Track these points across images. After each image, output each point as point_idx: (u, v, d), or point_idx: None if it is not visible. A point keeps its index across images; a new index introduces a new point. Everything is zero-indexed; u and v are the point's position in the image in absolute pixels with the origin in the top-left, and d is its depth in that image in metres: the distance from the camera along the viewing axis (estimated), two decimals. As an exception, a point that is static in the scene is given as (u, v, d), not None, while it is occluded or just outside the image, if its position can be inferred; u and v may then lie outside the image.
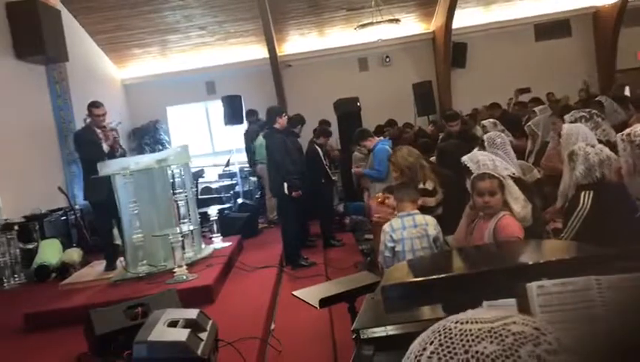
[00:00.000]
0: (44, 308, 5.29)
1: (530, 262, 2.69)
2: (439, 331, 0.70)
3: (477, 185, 3.32)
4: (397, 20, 10.08)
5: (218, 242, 6.88)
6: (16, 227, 7.15)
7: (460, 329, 0.68)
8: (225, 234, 7.18)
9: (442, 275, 2.86)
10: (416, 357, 0.70)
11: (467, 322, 0.69)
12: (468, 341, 0.67)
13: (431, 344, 0.69)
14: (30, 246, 7.30)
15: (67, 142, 9.52)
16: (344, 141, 9.34)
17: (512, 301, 1.96)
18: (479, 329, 0.67)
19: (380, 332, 2.30)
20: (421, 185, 4.42)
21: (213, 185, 11.62)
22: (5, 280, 6.93)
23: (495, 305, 1.99)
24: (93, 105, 6.36)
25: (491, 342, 0.65)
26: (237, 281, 5.89)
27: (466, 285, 2.41)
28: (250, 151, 10.02)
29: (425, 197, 4.28)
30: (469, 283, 2.41)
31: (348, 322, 4.29)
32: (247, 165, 10.68)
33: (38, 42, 8.58)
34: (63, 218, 8.39)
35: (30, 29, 8.52)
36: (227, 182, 11.54)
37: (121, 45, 11.75)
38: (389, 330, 2.34)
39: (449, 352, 0.67)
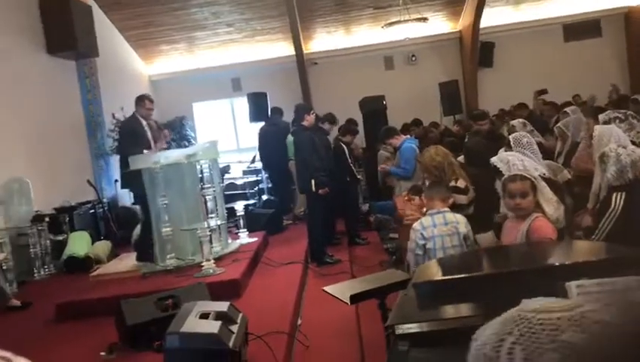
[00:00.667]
0: (75, 298, 5.40)
1: (567, 262, 2.68)
2: (516, 321, 0.70)
3: (508, 186, 3.29)
4: (425, 19, 10.04)
5: (244, 237, 6.94)
6: (47, 219, 7.31)
7: (540, 319, 0.69)
8: (249, 229, 7.24)
9: (477, 273, 2.86)
10: (493, 348, 0.70)
11: (543, 311, 0.70)
12: (552, 330, 0.67)
13: (509, 334, 0.69)
14: (60, 238, 7.45)
15: (96, 136, 9.68)
16: (369, 139, 9.34)
17: (552, 300, 1.96)
18: (558, 319, 0.68)
19: (415, 328, 2.31)
20: (453, 183, 4.41)
21: (238, 182, 11.70)
22: (36, 271, 7.09)
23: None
24: (147, 97, 6.51)
25: (576, 331, 0.66)
26: (263, 276, 5.94)
27: (501, 284, 2.41)
28: (264, 148, 9.83)
29: (457, 195, 4.27)
30: (504, 282, 2.41)
31: (375, 319, 4.31)
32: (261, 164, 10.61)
33: (70, 38, 8.73)
34: (91, 211, 8.54)
35: (62, 25, 8.68)
36: (252, 178, 11.60)
37: (149, 41, 11.90)
38: (424, 327, 2.35)
39: (533, 342, 0.67)
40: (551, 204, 3.29)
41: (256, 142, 11.12)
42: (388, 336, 2.28)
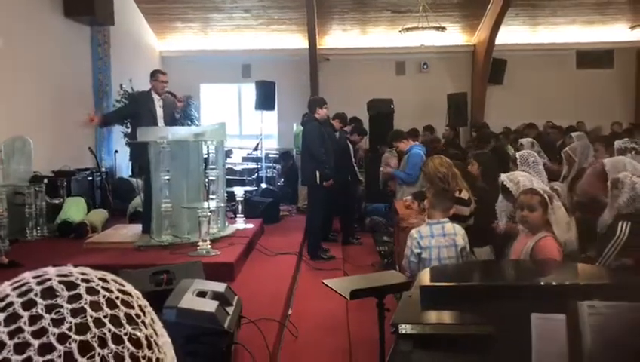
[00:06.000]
0: (68, 262, 5.36)
1: (567, 282, 2.71)
2: None
3: (519, 198, 3.39)
4: (443, 28, 10.05)
5: (241, 223, 6.94)
6: (45, 180, 7.27)
7: None
8: (246, 216, 7.23)
9: (482, 283, 2.89)
10: None
11: None
12: None
13: None
14: (56, 201, 7.42)
15: (102, 105, 9.63)
16: (374, 141, 9.34)
17: (562, 316, 1.99)
18: None
19: (419, 329, 2.33)
20: (456, 194, 4.43)
21: (237, 168, 11.68)
22: (28, 231, 7.05)
23: (545, 318, 2.02)
24: (160, 71, 6.63)
25: None
26: (257, 263, 5.95)
27: (504, 296, 2.43)
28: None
29: (459, 206, 4.29)
30: (507, 294, 2.44)
31: (364, 316, 4.36)
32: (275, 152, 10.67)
33: (88, 2, 8.68)
34: (89, 178, 8.50)
35: (81, -12, 8.63)
36: (251, 165, 11.59)
37: (164, 17, 11.84)
38: (428, 329, 2.37)
39: None
40: (559, 227, 3.32)
41: (259, 130, 11.14)
42: (393, 334, 2.29)
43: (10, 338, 0.52)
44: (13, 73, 7.46)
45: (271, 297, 4.81)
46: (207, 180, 6.33)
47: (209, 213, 5.57)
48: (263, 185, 9.84)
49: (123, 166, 10.08)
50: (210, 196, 6.07)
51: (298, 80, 12.16)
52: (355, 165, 8.02)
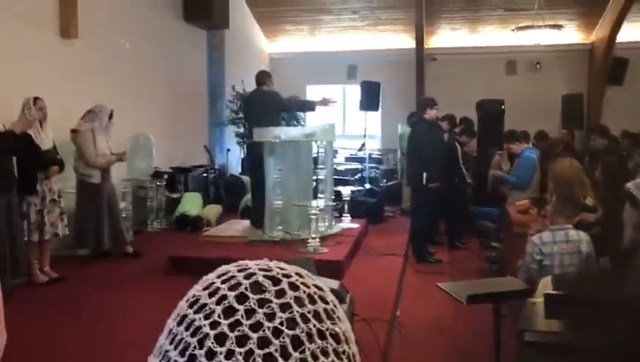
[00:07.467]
0: (187, 254, 5.71)
1: None
2: None
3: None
4: (560, 26, 9.60)
5: (347, 222, 7.03)
6: (165, 176, 7.75)
7: None
8: (351, 215, 7.30)
9: (612, 293, 2.75)
10: None
11: None
12: None
13: None
14: (175, 195, 7.90)
15: (216, 105, 10.11)
16: (483, 143, 9.09)
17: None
18: None
19: (544, 337, 2.27)
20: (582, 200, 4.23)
21: (340, 167, 11.81)
22: (149, 223, 7.56)
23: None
24: (269, 75, 6.90)
25: None
26: (364, 263, 6.00)
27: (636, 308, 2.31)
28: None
29: (585, 213, 4.10)
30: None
31: (475, 321, 4.27)
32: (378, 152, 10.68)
33: (207, 7, 9.15)
34: (204, 175, 8.96)
35: (201, -5, 9.12)
36: (354, 165, 11.68)
37: (276, 19, 12.21)
38: (553, 338, 2.30)
39: None
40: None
41: (363, 130, 11.21)
42: (517, 340, 2.25)
43: (231, 331, 0.53)
44: (137, 74, 8.03)
45: (379, 297, 4.84)
46: (315, 179, 6.48)
47: (318, 211, 5.70)
48: (367, 186, 9.88)
49: (234, 163, 10.53)
50: (319, 195, 6.20)
51: (403, 80, 12.08)
52: (462, 167, 7.85)
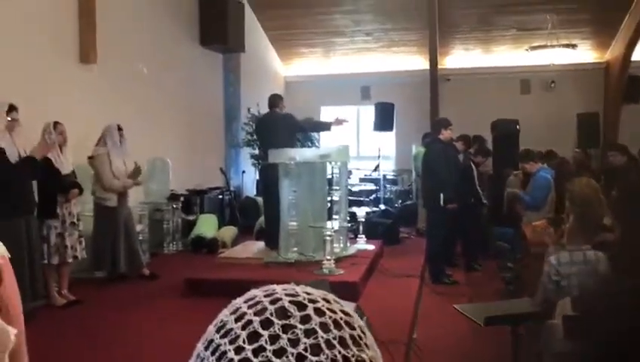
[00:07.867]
0: (203, 276, 5.73)
1: None
2: None
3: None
4: (574, 46, 9.60)
5: (362, 243, 7.01)
6: (181, 198, 7.82)
7: None
8: (366, 236, 7.29)
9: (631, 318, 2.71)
10: None
11: None
12: None
13: None
14: (190, 217, 7.95)
15: (232, 127, 10.21)
16: (498, 163, 9.05)
17: None
18: None
19: (563, 359, 2.25)
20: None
21: (354, 188, 11.82)
22: (165, 245, 7.61)
23: None
24: (281, 97, 7.04)
25: None
26: (379, 284, 5.97)
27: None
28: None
29: (605, 233, 4.05)
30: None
31: (492, 343, 4.22)
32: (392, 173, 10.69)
33: (222, 32, 9.31)
34: (219, 197, 9.02)
35: (217, 18, 9.28)
36: (369, 186, 11.67)
37: (290, 42, 12.35)
38: (572, 359, 2.28)
39: None
40: None
41: (376, 151, 11.23)
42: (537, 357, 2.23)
43: (255, 356, 0.53)
44: (154, 98, 8.15)
45: (395, 319, 4.80)
46: (330, 200, 6.49)
47: (333, 233, 5.70)
48: (382, 207, 9.86)
49: (249, 185, 10.58)
50: (334, 216, 6.21)
51: (418, 101, 12.11)
52: (478, 187, 7.81)
